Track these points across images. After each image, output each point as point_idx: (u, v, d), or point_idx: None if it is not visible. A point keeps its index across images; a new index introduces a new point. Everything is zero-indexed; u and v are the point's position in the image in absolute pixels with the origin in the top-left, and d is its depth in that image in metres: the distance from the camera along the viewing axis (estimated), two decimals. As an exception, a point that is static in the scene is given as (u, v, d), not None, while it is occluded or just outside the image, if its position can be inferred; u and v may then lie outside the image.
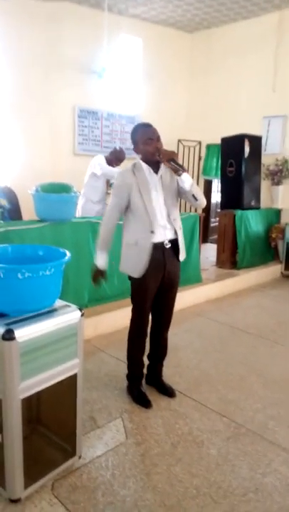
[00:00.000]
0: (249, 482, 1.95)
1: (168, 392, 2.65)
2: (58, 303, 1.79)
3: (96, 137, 6.29)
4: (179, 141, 6.99)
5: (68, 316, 1.74)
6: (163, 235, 2.36)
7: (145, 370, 2.70)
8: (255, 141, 5.71)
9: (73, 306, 1.78)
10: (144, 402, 2.52)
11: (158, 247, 2.34)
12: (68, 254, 1.77)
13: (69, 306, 1.79)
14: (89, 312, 3.40)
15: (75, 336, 1.77)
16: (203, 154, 7.12)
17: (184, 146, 7.07)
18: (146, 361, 2.68)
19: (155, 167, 2.35)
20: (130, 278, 2.45)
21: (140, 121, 6.51)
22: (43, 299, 1.68)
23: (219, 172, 5.99)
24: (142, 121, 6.64)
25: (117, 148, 4.76)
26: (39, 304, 1.66)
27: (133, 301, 2.50)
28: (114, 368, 3.02)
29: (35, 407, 2.05)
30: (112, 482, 1.91)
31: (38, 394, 1.76)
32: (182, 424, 2.37)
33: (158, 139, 2.31)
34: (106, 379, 2.85)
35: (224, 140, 5.69)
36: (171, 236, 2.40)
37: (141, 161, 2.36)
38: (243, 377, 2.96)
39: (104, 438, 2.23)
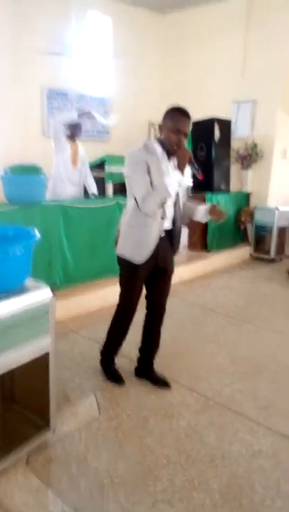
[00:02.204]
0: (217, 450, 2.06)
1: (162, 383, 2.59)
2: (29, 282, 1.80)
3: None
4: (151, 124, 6.97)
5: (39, 294, 1.76)
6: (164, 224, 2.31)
7: (136, 363, 2.67)
8: (225, 125, 5.77)
9: (44, 285, 1.80)
10: (117, 379, 2.57)
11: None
12: (38, 233, 1.78)
13: (40, 284, 1.81)
14: (61, 294, 3.41)
15: (46, 315, 1.79)
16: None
17: (154, 130, 7.05)
18: (137, 354, 2.65)
19: (169, 153, 2.23)
20: (121, 265, 2.39)
21: (111, 102, 6.48)
22: (13, 278, 1.69)
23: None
24: (115, 103, 6.53)
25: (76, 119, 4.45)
26: (9, 283, 1.67)
27: (122, 286, 2.45)
28: (87, 348, 3.06)
29: (8, 386, 2.08)
30: (86, 454, 1.98)
31: (12, 372, 1.79)
32: (154, 399, 2.45)
33: (186, 134, 2.19)
34: (79, 359, 2.89)
35: (195, 124, 5.71)
36: (168, 226, 2.34)
37: (154, 143, 2.22)
38: (213, 354, 3.07)
39: (77, 414, 2.29)
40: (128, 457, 1.98)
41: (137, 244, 2.28)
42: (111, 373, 2.62)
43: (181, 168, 2.19)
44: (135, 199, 2.20)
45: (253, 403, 2.47)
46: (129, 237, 2.32)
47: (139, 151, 2.18)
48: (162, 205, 2.18)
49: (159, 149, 2.21)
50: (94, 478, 1.84)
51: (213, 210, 2.42)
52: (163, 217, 2.27)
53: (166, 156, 2.22)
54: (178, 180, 2.19)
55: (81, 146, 4.63)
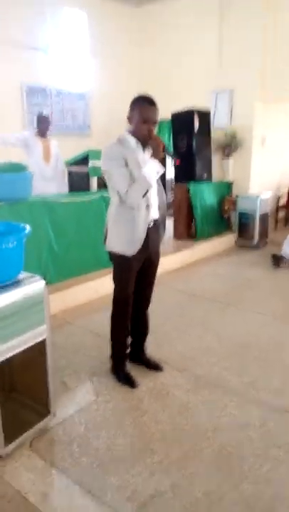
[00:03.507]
0: (208, 424, 2.19)
1: (155, 366, 2.68)
2: (23, 274, 1.90)
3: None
4: (164, 147, 7.02)
5: (33, 285, 1.85)
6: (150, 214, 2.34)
7: (129, 348, 2.70)
8: (204, 116, 5.88)
9: (37, 276, 1.90)
10: (129, 383, 2.52)
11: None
12: (28, 227, 1.87)
13: (33, 276, 1.90)
14: (53, 288, 3.50)
15: (41, 304, 1.89)
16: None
17: (165, 152, 7.10)
18: (129, 339, 2.67)
19: (143, 143, 2.28)
20: (113, 260, 2.43)
21: (90, 97, 6.52)
22: (7, 271, 1.78)
23: (171, 147, 6.14)
24: (94, 98, 6.56)
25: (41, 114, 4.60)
26: (4, 276, 1.76)
27: (117, 281, 2.47)
28: (81, 337, 3.17)
29: (8, 376, 2.18)
30: (86, 434, 2.10)
31: (10, 362, 1.88)
32: (147, 381, 2.57)
33: (156, 122, 2.25)
34: (74, 348, 3.00)
35: (174, 115, 5.82)
36: (155, 216, 2.39)
37: (127, 135, 2.27)
38: (201, 337, 3.21)
39: (75, 399, 2.40)
40: (126, 434, 2.11)
41: (126, 237, 2.30)
42: (123, 376, 2.57)
43: (156, 157, 2.23)
44: (118, 193, 2.24)
45: (240, 379, 2.61)
46: (118, 231, 2.33)
47: (114, 145, 2.23)
48: (145, 195, 2.23)
49: (132, 141, 2.26)
50: (95, 455, 1.96)
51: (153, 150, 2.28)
52: (148, 206, 2.31)
53: (140, 147, 2.28)
54: (156, 169, 2.22)
55: (54, 142, 4.65)
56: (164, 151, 2.25)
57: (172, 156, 2.36)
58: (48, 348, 2.00)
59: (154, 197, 2.36)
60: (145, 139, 2.25)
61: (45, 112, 4.79)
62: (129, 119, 2.28)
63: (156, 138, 2.25)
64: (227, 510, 1.67)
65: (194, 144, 5.70)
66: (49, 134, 4.60)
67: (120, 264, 2.40)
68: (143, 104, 2.22)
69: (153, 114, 2.22)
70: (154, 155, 2.23)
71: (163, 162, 2.30)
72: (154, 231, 2.41)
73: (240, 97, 6.07)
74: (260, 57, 5.81)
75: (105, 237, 2.42)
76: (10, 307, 1.75)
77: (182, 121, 5.75)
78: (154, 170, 2.21)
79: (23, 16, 5.52)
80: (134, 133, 2.26)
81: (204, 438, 2.09)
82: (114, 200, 2.34)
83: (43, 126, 4.46)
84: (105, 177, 2.32)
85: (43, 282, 1.88)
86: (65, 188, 4.74)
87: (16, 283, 1.81)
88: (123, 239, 2.32)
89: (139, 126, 2.22)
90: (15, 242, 1.73)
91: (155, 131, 2.28)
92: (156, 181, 2.34)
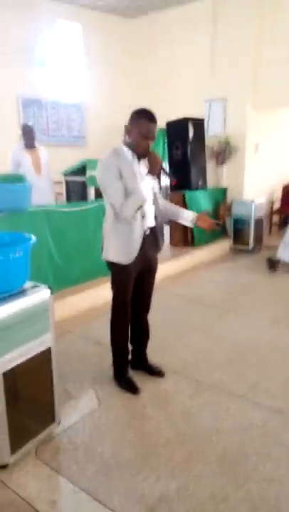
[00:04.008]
0: (211, 427, 2.23)
1: (156, 372, 2.71)
2: (28, 284, 1.94)
3: (42, 126, 6.27)
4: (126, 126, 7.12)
5: (39, 294, 1.89)
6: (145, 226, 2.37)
7: (130, 356, 2.73)
8: (199, 124, 5.98)
9: (42, 286, 1.94)
10: (132, 389, 2.55)
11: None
12: (34, 237, 1.91)
13: (38, 285, 1.94)
14: (53, 296, 3.52)
15: (46, 312, 1.93)
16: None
17: (162, 171, 7.18)
18: (130, 347, 2.71)
19: (138, 156, 2.30)
20: (111, 269, 2.45)
21: (86, 108, 6.60)
22: (14, 280, 1.82)
23: (166, 155, 6.22)
24: (89, 109, 6.64)
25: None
26: (12, 285, 1.80)
27: (114, 289, 2.49)
28: (82, 346, 3.20)
29: (13, 385, 2.20)
30: (91, 442, 2.12)
31: (16, 370, 1.91)
32: (149, 387, 2.61)
33: (153, 138, 2.27)
34: (76, 356, 3.03)
35: (169, 124, 5.91)
36: (152, 224, 2.41)
37: (124, 147, 2.30)
38: (201, 342, 3.25)
39: (79, 407, 2.42)
40: (130, 441, 2.13)
41: (122, 247, 2.33)
42: (125, 383, 2.59)
43: (153, 174, 2.26)
44: (113, 206, 2.28)
45: (240, 383, 2.65)
46: (114, 241, 2.36)
47: (110, 157, 2.24)
48: (139, 208, 2.26)
49: (128, 153, 2.28)
50: (100, 462, 1.99)
51: (200, 219, 2.49)
52: (143, 216, 2.33)
53: (136, 159, 2.30)
54: (151, 185, 2.27)
55: (44, 151, 4.67)
56: (161, 169, 2.29)
57: (169, 176, 2.39)
58: (53, 356, 2.03)
59: (150, 206, 2.39)
60: (143, 154, 2.28)
61: (30, 123, 4.81)
62: (127, 130, 2.29)
63: (155, 156, 2.26)
64: (233, 510, 1.70)
65: (189, 151, 5.79)
66: (36, 144, 4.62)
67: (117, 273, 2.43)
68: (144, 120, 2.22)
69: (153, 131, 2.24)
70: (151, 172, 2.26)
71: (158, 177, 2.34)
72: (151, 239, 2.44)
73: (233, 105, 6.17)
74: (252, 65, 5.93)
75: (102, 247, 2.46)
76: (16, 316, 1.78)
77: (177, 130, 5.84)
78: (149, 186, 2.26)
79: (19, 29, 5.61)
80: (131, 146, 2.29)
81: (208, 441, 2.12)
82: (109, 211, 2.37)
83: (28, 136, 4.48)
84: (101, 188, 2.36)
85: (48, 291, 1.92)
86: (52, 197, 4.75)
87: (22, 292, 1.84)
88: (119, 249, 2.35)
89: (138, 142, 2.24)
90: (21, 252, 1.77)
91: (152, 146, 2.31)
92: (153, 194, 2.38)
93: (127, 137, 2.31)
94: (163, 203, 2.60)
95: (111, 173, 2.22)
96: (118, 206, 2.23)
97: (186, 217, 2.54)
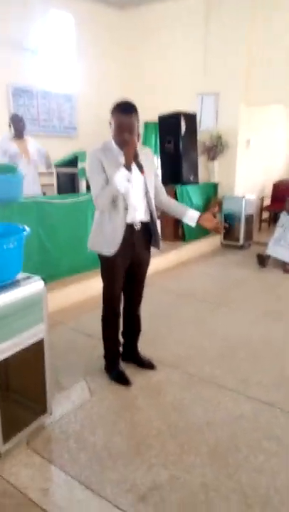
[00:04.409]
0: (202, 419, 2.25)
1: (147, 365, 2.74)
2: (21, 275, 1.92)
3: (33, 116, 6.19)
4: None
5: (32, 285, 1.88)
6: (133, 216, 2.37)
7: (121, 348, 2.75)
8: (191, 119, 5.97)
9: (36, 277, 1.92)
10: (123, 381, 2.57)
11: (128, 228, 2.37)
12: (27, 228, 1.89)
13: (31, 277, 1.93)
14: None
15: (40, 304, 1.92)
16: (142, 132, 7.27)
17: None
18: (121, 340, 2.72)
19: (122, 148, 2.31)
20: (99, 257, 2.48)
21: (77, 99, 6.53)
22: (7, 271, 1.80)
23: (158, 149, 6.20)
24: (80, 99, 6.56)
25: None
26: (5, 276, 1.78)
27: (104, 280, 2.52)
28: (74, 337, 3.20)
29: (4, 376, 2.18)
30: (83, 432, 2.13)
31: (8, 360, 1.90)
32: (140, 379, 2.62)
33: (131, 130, 2.26)
34: (67, 347, 3.03)
35: (161, 118, 5.89)
36: (142, 218, 2.42)
37: (111, 141, 2.35)
38: (192, 335, 3.27)
39: (71, 398, 2.43)
40: (122, 431, 2.14)
41: (105, 238, 2.37)
42: (116, 375, 2.61)
43: (127, 165, 2.23)
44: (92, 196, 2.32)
45: (232, 376, 2.68)
46: (97, 232, 2.42)
47: (96, 151, 2.31)
48: (114, 200, 2.26)
49: (114, 147, 2.33)
50: (92, 451, 2.00)
51: (206, 219, 2.47)
52: (126, 208, 2.33)
53: (121, 152, 2.30)
54: (126, 176, 2.22)
55: (32, 140, 4.61)
56: (136, 157, 2.26)
57: (140, 167, 2.29)
58: (46, 347, 2.03)
59: (139, 200, 2.38)
60: (121, 147, 2.29)
61: (19, 113, 4.74)
62: (110, 124, 2.34)
63: (129, 147, 2.23)
64: (224, 499, 1.73)
65: (181, 146, 5.78)
66: (25, 134, 4.56)
67: (104, 263, 2.47)
68: (116, 113, 2.27)
69: (126, 122, 2.25)
70: (126, 161, 2.24)
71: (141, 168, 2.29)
72: (143, 233, 2.45)
73: (225, 100, 6.18)
74: (245, 61, 5.94)
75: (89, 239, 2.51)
76: (9, 307, 1.77)
77: (169, 124, 5.82)
78: (123, 177, 2.23)
79: (11, 17, 5.51)
80: (114, 140, 2.34)
81: (199, 432, 2.14)
82: None
83: (19, 126, 4.42)
84: (89, 181, 2.42)
85: (42, 282, 1.91)
86: (38, 189, 4.71)
87: (16, 283, 1.83)
88: (101, 239, 2.40)
89: (116, 134, 2.30)
90: (15, 243, 1.75)
91: (140, 135, 2.33)
92: (144, 185, 2.38)
93: (110, 127, 2.34)
94: (166, 199, 2.60)
95: (94, 165, 2.30)
96: (94, 196, 2.30)
97: (191, 217, 2.50)
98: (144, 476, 1.85)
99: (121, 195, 2.28)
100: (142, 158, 2.30)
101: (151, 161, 2.51)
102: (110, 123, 2.32)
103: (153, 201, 2.47)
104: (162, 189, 2.61)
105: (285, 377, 2.68)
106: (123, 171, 2.23)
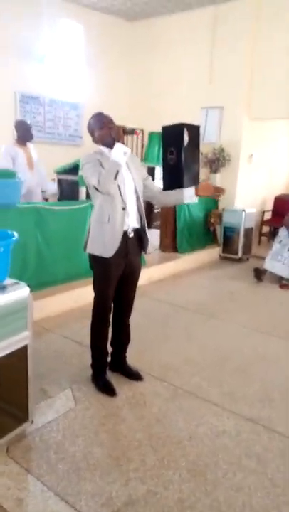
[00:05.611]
0: (184, 432, 2.24)
1: (135, 376, 2.72)
2: (8, 281, 1.93)
3: (38, 123, 6.26)
4: (123, 129, 7.13)
5: (18, 292, 1.89)
6: (126, 224, 2.41)
7: (109, 358, 2.74)
8: (195, 130, 5.98)
9: (22, 283, 1.93)
10: (109, 391, 2.55)
11: (123, 235, 2.39)
12: (16, 234, 1.91)
13: (18, 283, 1.94)
14: (35, 296, 3.49)
15: (24, 311, 1.92)
16: (146, 142, 7.32)
17: (127, 134, 7.21)
18: (109, 349, 2.71)
19: (111, 145, 2.39)
20: (94, 264, 2.49)
21: (83, 107, 6.60)
22: (-7, 276, 1.81)
23: (160, 159, 6.22)
24: (87, 108, 6.64)
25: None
26: (-10, 281, 1.79)
27: (96, 289, 2.53)
28: (61, 345, 3.19)
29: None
30: (63, 442, 2.11)
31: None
32: (127, 390, 2.61)
33: (110, 121, 2.47)
34: (54, 355, 3.02)
35: (165, 128, 5.90)
36: (135, 225, 2.46)
37: (101, 147, 2.46)
38: (182, 347, 3.26)
39: (54, 406, 2.42)
40: (103, 442, 2.13)
41: (104, 239, 2.38)
42: (102, 384, 2.60)
43: (118, 140, 2.43)
44: (94, 187, 2.33)
45: (218, 390, 2.67)
46: (96, 233, 2.42)
47: (91, 154, 2.44)
48: (116, 176, 2.27)
49: (105, 150, 2.43)
50: (71, 462, 1.98)
51: (202, 189, 2.66)
52: (124, 208, 2.37)
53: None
54: (122, 149, 2.30)
55: (33, 149, 4.65)
56: (124, 133, 2.46)
57: (132, 131, 2.57)
58: (30, 354, 2.02)
59: (132, 205, 2.44)
60: (112, 141, 2.40)
61: (27, 120, 4.78)
62: (95, 138, 2.50)
63: (115, 129, 2.50)
64: (198, 518, 1.71)
65: (183, 157, 5.78)
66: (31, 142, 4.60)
67: (99, 269, 2.47)
68: (96, 117, 2.49)
69: (108, 119, 2.47)
70: (116, 138, 2.45)
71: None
72: (135, 241, 2.49)
73: (229, 114, 6.22)
74: (249, 76, 5.99)
75: (86, 242, 2.50)
76: (-7, 312, 1.77)
77: (172, 135, 5.82)
78: (120, 150, 2.30)
79: (21, 26, 5.60)
80: (103, 142, 2.46)
81: (180, 446, 2.13)
82: (94, 204, 2.46)
83: (27, 132, 4.45)
84: (86, 182, 2.46)
85: (27, 289, 1.91)
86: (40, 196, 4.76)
87: (1, 288, 1.83)
88: (100, 241, 2.40)
89: (102, 134, 2.45)
90: (1, 249, 1.76)
91: (122, 137, 2.50)
92: (135, 193, 2.46)
93: (95, 139, 2.50)
94: (160, 190, 2.65)
95: (92, 162, 2.37)
96: (96, 181, 2.29)
97: (190, 195, 2.62)
98: (121, 489, 1.83)
99: (120, 174, 2.31)
100: (128, 161, 2.40)
101: (138, 163, 2.62)
102: (92, 133, 2.50)
103: (143, 207, 2.52)
104: (154, 183, 2.68)
105: (271, 392, 2.66)
106: (118, 145, 2.33)
